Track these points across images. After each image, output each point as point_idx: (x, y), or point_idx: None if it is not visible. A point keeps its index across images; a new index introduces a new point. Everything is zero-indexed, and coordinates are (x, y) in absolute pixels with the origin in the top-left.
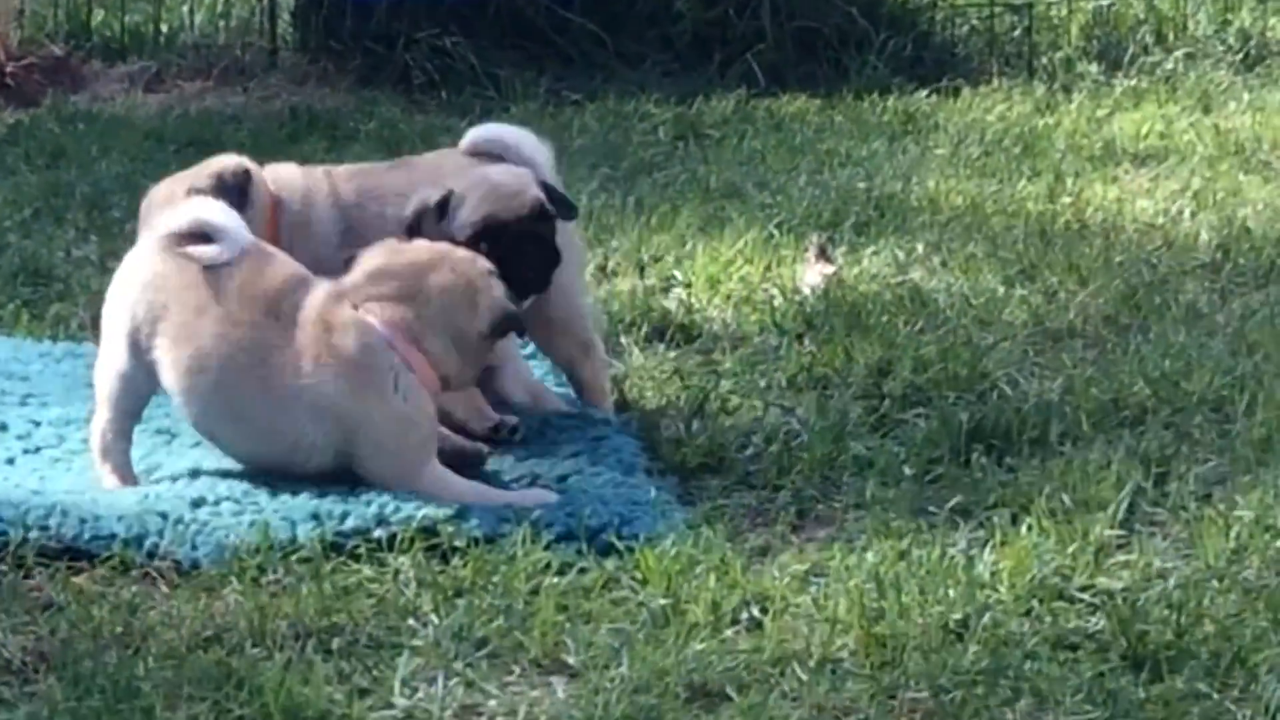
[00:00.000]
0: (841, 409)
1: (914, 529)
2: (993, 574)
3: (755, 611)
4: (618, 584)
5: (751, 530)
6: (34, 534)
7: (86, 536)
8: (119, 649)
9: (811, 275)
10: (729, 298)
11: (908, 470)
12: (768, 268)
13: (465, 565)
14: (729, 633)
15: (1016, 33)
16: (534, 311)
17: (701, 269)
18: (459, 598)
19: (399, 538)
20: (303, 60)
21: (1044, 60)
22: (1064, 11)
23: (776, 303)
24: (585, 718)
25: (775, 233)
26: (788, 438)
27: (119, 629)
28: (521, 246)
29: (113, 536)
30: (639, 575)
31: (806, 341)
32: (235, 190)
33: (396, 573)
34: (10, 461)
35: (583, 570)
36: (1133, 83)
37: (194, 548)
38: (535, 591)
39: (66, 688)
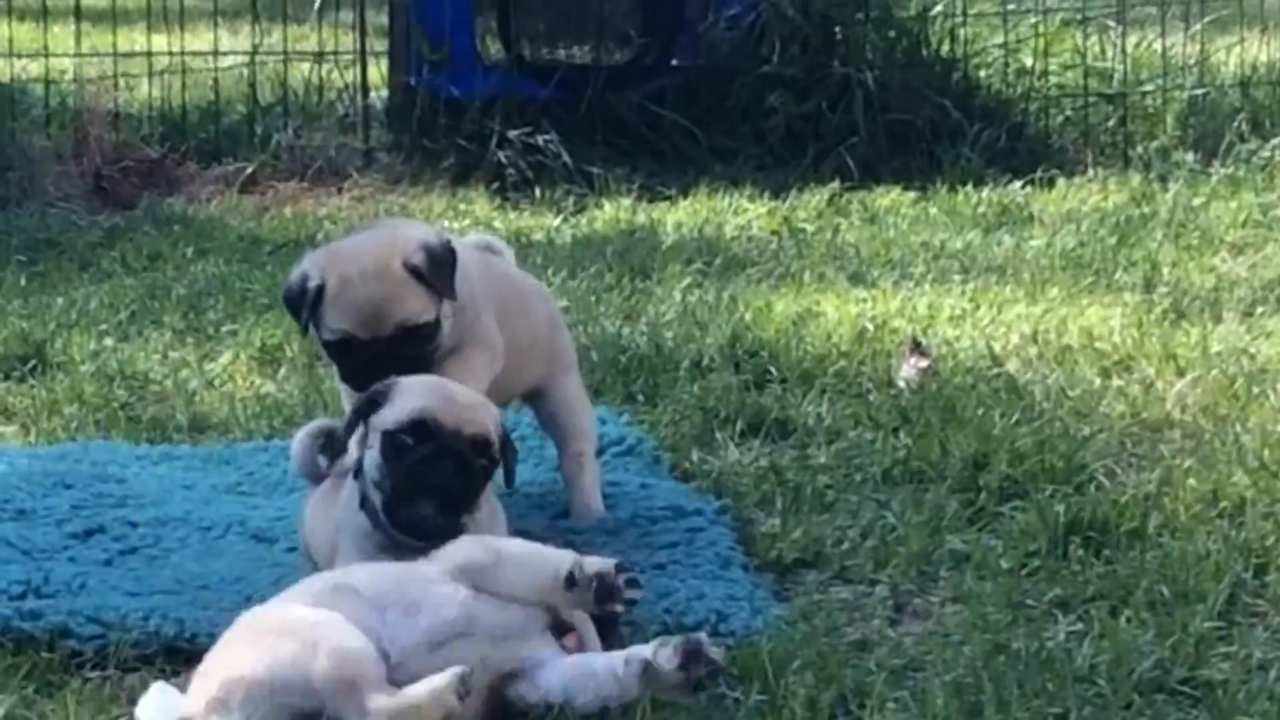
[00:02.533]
0: (937, 502)
1: (1012, 622)
2: (1092, 667)
3: (853, 706)
4: (714, 681)
5: (848, 625)
6: (133, 635)
7: (186, 636)
8: None
9: (906, 368)
10: (824, 392)
11: (1005, 563)
12: (862, 362)
13: None
14: None
15: (1111, 123)
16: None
17: (796, 363)
18: None
19: None
20: (396, 160)
21: (1139, 150)
22: (1159, 101)
23: (871, 396)
24: None
25: (869, 326)
26: (884, 531)
27: None
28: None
29: (212, 636)
30: (736, 671)
31: (902, 435)
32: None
33: None
34: (108, 563)
35: None
36: (1229, 171)
37: None
38: None
39: None
